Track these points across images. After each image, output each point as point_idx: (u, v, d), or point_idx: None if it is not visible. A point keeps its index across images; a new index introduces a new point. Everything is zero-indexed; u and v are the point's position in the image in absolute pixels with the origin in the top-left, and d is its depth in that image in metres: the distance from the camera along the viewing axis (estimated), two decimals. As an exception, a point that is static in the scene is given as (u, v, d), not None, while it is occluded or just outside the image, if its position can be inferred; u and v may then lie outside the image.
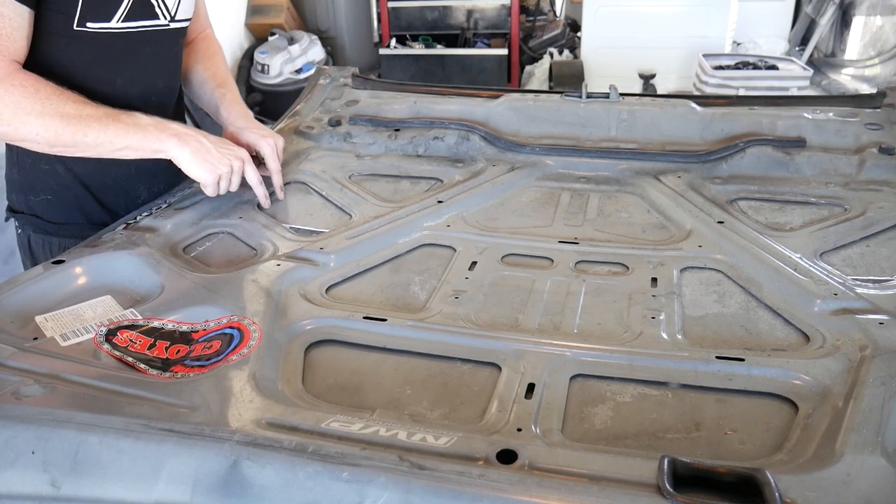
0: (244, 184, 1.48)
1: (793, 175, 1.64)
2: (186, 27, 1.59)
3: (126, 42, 1.45)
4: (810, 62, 5.53)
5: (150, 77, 1.55)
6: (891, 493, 0.72)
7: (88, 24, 1.37)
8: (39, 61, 1.36)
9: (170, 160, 1.39)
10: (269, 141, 1.57)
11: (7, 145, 1.52)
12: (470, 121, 1.88)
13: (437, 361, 1.05)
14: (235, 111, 1.65)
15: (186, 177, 1.60)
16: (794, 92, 4.34)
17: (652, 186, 1.62)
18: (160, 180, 1.61)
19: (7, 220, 1.63)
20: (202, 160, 1.38)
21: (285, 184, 1.65)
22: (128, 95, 1.48)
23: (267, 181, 1.55)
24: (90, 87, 1.40)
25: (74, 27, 1.36)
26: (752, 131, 1.76)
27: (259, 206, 1.52)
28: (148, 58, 1.52)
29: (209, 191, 1.43)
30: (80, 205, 1.55)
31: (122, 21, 1.41)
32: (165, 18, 1.50)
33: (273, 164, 1.57)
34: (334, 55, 6.25)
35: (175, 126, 1.39)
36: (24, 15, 1.28)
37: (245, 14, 6.04)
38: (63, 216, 1.55)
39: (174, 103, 1.67)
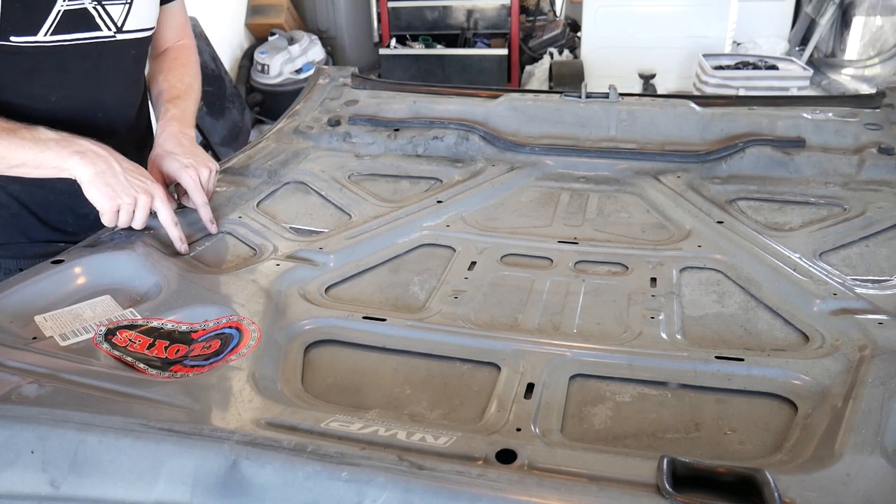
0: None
1: (792, 175, 1.64)
2: (144, 38, 1.48)
3: (59, 56, 1.34)
4: (810, 62, 5.54)
5: (93, 92, 1.44)
6: (890, 493, 0.72)
7: (12, 38, 1.27)
8: None
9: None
10: (190, 172, 1.38)
11: None
12: (469, 121, 1.88)
13: (436, 361, 1.05)
14: (168, 132, 1.45)
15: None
16: (794, 92, 4.34)
17: (651, 186, 1.62)
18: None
19: None
20: (103, 184, 1.22)
21: (284, 184, 1.66)
22: (65, 111, 1.38)
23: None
24: (20, 103, 1.32)
25: None
26: (752, 131, 1.76)
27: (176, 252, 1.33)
28: (89, 72, 1.41)
29: (105, 219, 1.26)
30: (19, 224, 1.46)
31: (51, 34, 1.30)
32: (110, 30, 1.39)
33: (197, 198, 1.38)
34: (334, 55, 6.25)
35: (84, 143, 1.24)
36: None
37: (245, 14, 6.04)
38: (2, 236, 1.46)
39: (132, 119, 1.56)
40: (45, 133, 1.24)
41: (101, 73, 1.43)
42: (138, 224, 1.28)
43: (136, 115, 1.58)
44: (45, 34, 1.30)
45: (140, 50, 1.51)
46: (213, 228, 1.42)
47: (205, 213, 1.40)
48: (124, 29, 1.41)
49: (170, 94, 1.55)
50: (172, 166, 1.40)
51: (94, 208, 1.34)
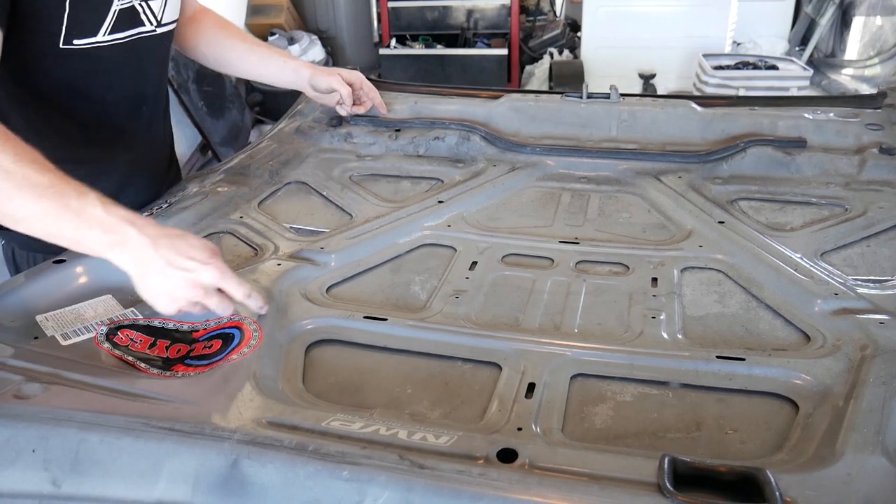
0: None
1: (793, 175, 1.64)
2: (174, 29, 1.55)
3: (115, 53, 1.38)
4: (810, 62, 5.53)
5: (140, 85, 1.51)
6: (891, 493, 0.72)
7: (75, 42, 1.30)
8: (28, 82, 1.31)
9: (161, 166, 1.30)
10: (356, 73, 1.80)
11: None
12: (470, 121, 1.88)
13: (437, 361, 1.05)
14: (311, 65, 1.78)
15: (174, 182, 1.61)
16: (794, 92, 4.34)
17: (652, 186, 1.62)
18: (145, 194, 1.54)
19: None
20: (160, 289, 1.04)
21: (286, 184, 1.65)
22: (117, 107, 1.44)
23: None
24: (81, 103, 1.36)
25: (60, 45, 1.28)
26: (753, 131, 1.76)
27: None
28: (137, 66, 1.47)
29: (167, 314, 1.08)
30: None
31: (109, 34, 1.35)
32: (152, 24, 1.44)
33: (368, 94, 1.81)
34: (334, 55, 6.25)
35: (134, 233, 1.03)
36: None
37: (245, 14, 6.04)
38: None
39: (164, 109, 1.64)
40: (92, 208, 1.03)
41: (145, 67, 1.50)
42: (223, 312, 1.08)
43: (165, 101, 1.65)
44: (104, 34, 1.34)
45: (170, 41, 1.57)
46: (384, 111, 1.86)
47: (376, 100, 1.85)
48: (163, 22, 1.46)
49: (260, 43, 1.80)
50: (345, 74, 1.79)
51: (129, 205, 1.22)
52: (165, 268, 1.02)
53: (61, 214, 1.02)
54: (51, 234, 1.04)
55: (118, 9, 1.34)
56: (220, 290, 1.06)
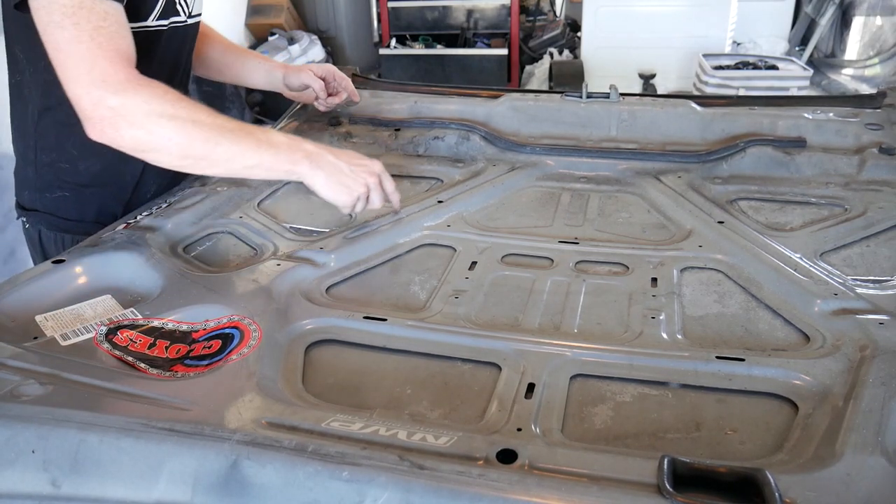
0: None
1: (793, 175, 1.64)
2: (199, 22, 1.62)
3: (157, 40, 1.46)
4: (810, 62, 5.54)
5: (173, 73, 1.57)
6: (891, 494, 0.72)
7: (131, 24, 1.33)
8: None
9: None
10: (327, 66, 1.82)
11: (21, 142, 1.53)
12: (470, 121, 1.88)
13: (437, 361, 1.05)
14: (281, 65, 1.83)
15: (189, 175, 1.64)
16: (794, 92, 4.34)
17: (652, 186, 1.62)
18: (169, 175, 1.61)
19: (18, 217, 1.63)
20: (337, 184, 1.32)
21: (285, 183, 1.66)
22: None
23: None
24: None
25: None
26: (753, 131, 1.76)
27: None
28: (171, 55, 1.54)
29: (346, 211, 1.39)
30: (95, 202, 1.56)
31: (156, 20, 1.43)
32: (185, 15, 1.51)
33: (340, 83, 1.84)
34: (334, 55, 6.26)
35: (307, 146, 1.33)
36: (121, 10, 1.25)
37: (245, 14, 6.05)
38: (78, 213, 1.56)
39: (189, 95, 1.73)
40: (275, 136, 1.32)
41: (178, 56, 1.58)
42: (377, 205, 1.39)
43: (187, 92, 1.71)
44: (153, 19, 1.41)
45: (196, 33, 1.65)
46: (355, 97, 1.89)
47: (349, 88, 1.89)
48: (192, 14, 1.54)
49: (237, 46, 1.87)
50: (315, 68, 1.81)
51: (154, 185, 1.58)
52: (346, 167, 1.33)
53: (258, 148, 1.27)
54: (251, 166, 1.28)
55: None
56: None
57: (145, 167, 1.56)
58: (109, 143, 1.22)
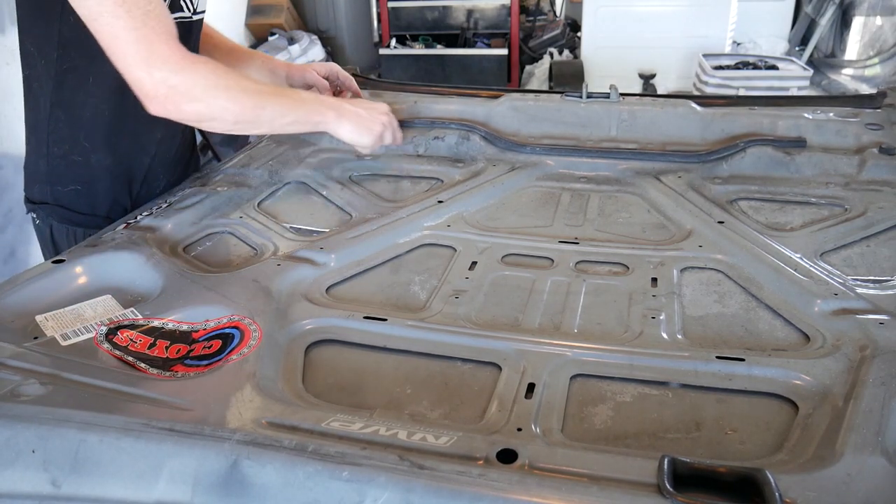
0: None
1: (793, 175, 1.64)
2: (203, 19, 1.64)
3: None
4: (810, 62, 5.54)
5: None
6: (891, 494, 0.72)
7: None
8: (81, 49, 1.38)
9: (185, 149, 1.42)
10: (331, 65, 1.89)
11: (33, 135, 1.54)
12: (470, 121, 1.88)
13: (437, 361, 1.05)
14: (284, 65, 1.88)
15: (196, 169, 1.70)
16: (794, 92, 4.34)
17: (652, 186, 1.62)
18: (178, 170, 1.67)
19: (28, 212, 1.63)
20: (362, 128, 1.52)
21: (285, 184, 1.66)
22: None
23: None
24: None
25: None
26: (753, 131, 1.76)
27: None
28: None
29: (366, 151, 1.64)
30: (107, 195, 1.58)
31: None
32: (189, 11, 1.54)
33: (344, 82, 1.89)
34: (334, 55, 6.26)
35: (329, 100, 1.55)
36: None
37: (245, 14, 6.05)
38: (89, 206, 1.57)
39: None
40: (301, 93, 1.56)
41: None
42: (398, 141, 1.66)
43: None
44: None
45: (200, 30, 1.67)
46: (360, 95, 1.92)
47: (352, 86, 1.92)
48: (197, 10, 1.58)
49: (240, 46, 1.94)
50: (318, 67, 1.87)
51: (164, 179, 1.66)
52: (363, 112, 1.55)
53: (294, 106, 1.47)
54: (289, 123, 1.46)
55: None
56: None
57: (154, 161, 1.59)
58: (171, 116, 1.33)
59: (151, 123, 1.51)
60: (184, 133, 1.72)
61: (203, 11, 1.62)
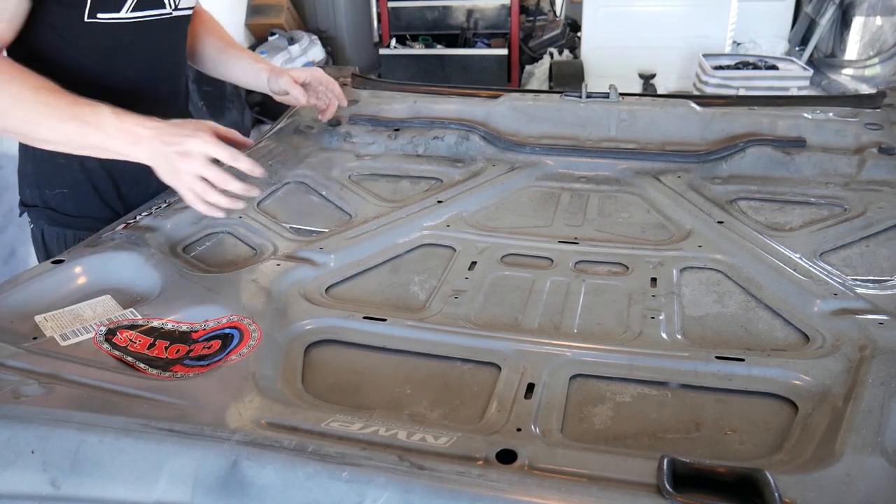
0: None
1: (793, 175, 1.64)
2: (189, 14, 1.61)
3: (136, 31, 1.46)
4: (810, 62, 5.54)
5: (161, 64, 1.58)
6: (891, 494, 0.72)
7: (99, 15, 1.38)
8: (55, 55, 1.38)
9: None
10: (314, 70, 1.76)
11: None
12: (470, 121, 1.88)
13: (436, 361, 1.05)
14: (270, 67, 1.76)
15: None
16: (794, 92, 4.34)
17: (652, 186, 1.62)
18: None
19: (21, 214, 1.63)
20: (167, 170, 1.22)
21: (285, 183, 1.65)
22: (139, 84, 1.51)
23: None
24: (106, 78, 1.43)
25: (85, 19, 1.37)
26: (752, 131, 1.76)
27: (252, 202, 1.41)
28: (156, 46, 1.54)
29: (199, 208, 1.26)
30: (95, 198, 1.56)
31: (132, 11, 1.43)
32: (170, 7, 1.52)
33: (329, 87, 1.77)
34: (334, 55, 6.25)
35: (141, 131, 1.23)
36: (12, 1, 1.26)
37: (245, 14, 6.04)
38: (78, 209, 1.56)
39: (183, 86, 1.71)
40: (106, 118, 1.23)
41: (164, 47, 1.58)
42: (219, 182, 1.23)
43: (184, 83, 1.73)
44: (126, 11, 1.42)
45: (186, 25, 1.65)
46: (344, 102, 1.80)
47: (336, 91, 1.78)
48: (179, 7, 1.54)
49: (233, 44, 1.83)
50: (295, 74, 1.73)
51: (155, 180, 1.40)
52: (163, 148, 1.21)
53: (84, 130, 1.22)
54: (81, 146, 1.25)
55: None
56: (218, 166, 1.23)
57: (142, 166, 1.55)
58: None
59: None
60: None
61: (189, 7, 1.59)
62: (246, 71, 1.79)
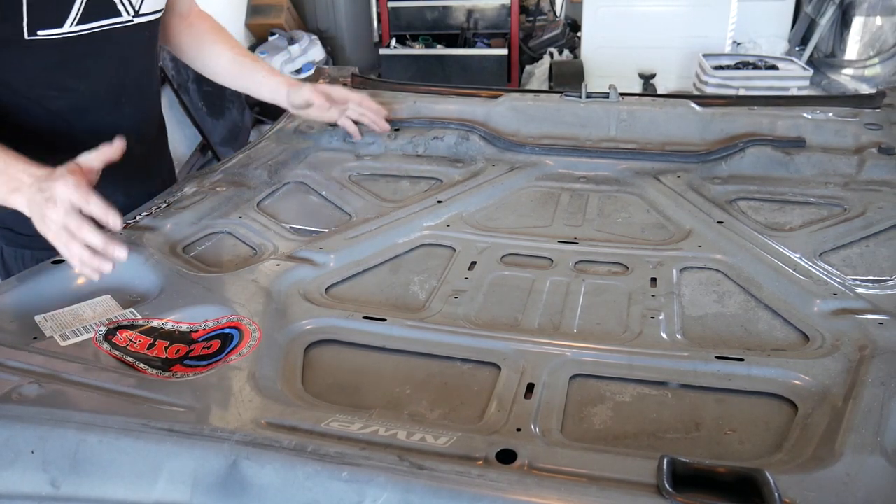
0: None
1: (792, 175, 1.64)
2: (156, 20, 1.51)
3: (87, 44, 1.35)
4: (810, 62, 5.54)
5: (117, 77, 1.47)
6: (890, 494, 0.72)
7: (40, 32, 1.28)
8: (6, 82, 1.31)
9: (150, 167, 1.29)
10: (336, 87, 1.65)
11: None
12: (470, 121, 1.88)
13: (436, 361, 1.05)
14: (291, 83, 1.71)
15: (166, 180, 1.60)
16: (794, 92, 4.34)
17: (651, 186, 1.62)
18: (135, 185, 1.52)
19: None
20: (38, 218, 1.11)
21: (285, 183, 1.65)
22: (92, 99, 1.42)
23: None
24: (53, 94, 1.35)
25: (26, 37, 1.27)
26: (752, 131, 1.76)
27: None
28: (111, 58, 1.43)
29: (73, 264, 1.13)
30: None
31: (77, 24, 1.32)
32: (129, 14, 1.41)
33: (353, 96, 1.70)
34: (334, 55, 6.25)
35: (22, 177, 1.13)
36: None
37: (245, 14, 6.04)
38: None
39: (150, 100, 1.60)
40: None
41: (122, 58, 1.46)
42: (88, 237, 1.09)
43: (152, 96, 1.62)
44: (71, 25, 1.31)
45: (152, 32, 1.53)
46: (382, 125, 1.75)
47: (369, 109, 1.72)
48: (140, 12, 1.43)
49: (245, 55, 1.74)
50: (323, 90, 1.67)
51: (121, 196, 1.34)
52: (36, 195, 1.11)
53: None
54: None
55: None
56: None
57: (109, 180, 1.36)
58: None
59: (90, 146, 1.29)
60: (145, 155, 1.57)
61: (154, 11, 1.47)
62: (261, 85, 1.73)
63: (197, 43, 1.71)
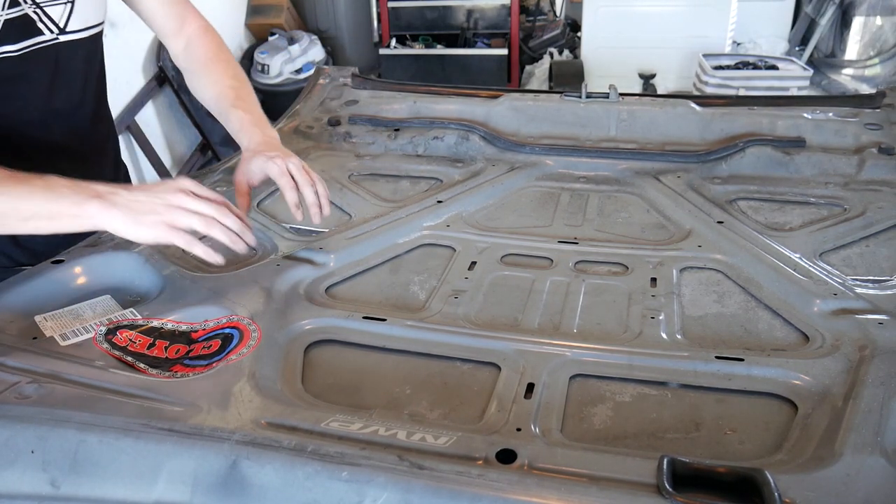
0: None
1: (792, 175, 1.64)
2: (91, 36, 1.36)
3: (8, 66, 1.24)
4: (810, 62, 5.53)
5: (44, 100, 1.33)
6: (890, 494, 0.72)
7: None
8: None
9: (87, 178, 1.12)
10: (276, 161, 1.32)
11: None
12: (470, 121, 1.88)
13: (436, 361, 1.05)
14: (253, 139, 1.42)
15: None
16: (794, 92, 4.34)
17: (651, 186, 1.62)
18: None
19: None
20: (136, 219, 1.07)
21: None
22: (18, 125, 1.30)
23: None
24: None
25: None
26: (752, 131, 1.76)
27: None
28: (37, 80, 1.31)
29: (150, 241, 1.10)
30: (2, 249, 1.39)
31: None
32: (52, 32, 1.28)
33: (283, 182, 1.32)
34: (334, 55, 6.25)
35: (97, 187, 1.08)
36: None
37: (245, 14, 6.04)
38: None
39: (88, 126, 1.45)
40: (55, 180, 1.07)
41: (50, 80, 1.33)
42: (198, 227, 1.10)
43: (91, 119, 1.46)
44: None
45: (90, 49, 1.39)
46: (318, 215, 1.31)
47: (306, 195, 1.31)
48: (67, 30, 1.30)
49: (227, 96, 1.47)
50: (258, 162, 1.34)
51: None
52: (141, 196, 1.08)
53: (33, 192, 1.05)
54: (25, 218, 1.05)
55: (4, 19, 1.20)
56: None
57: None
58: None
59: (25, 162, 1.15)
60: (66, 170, 1.30)
61: (89, 27, 1.33)
62: (235, 134, 1.50)
63: (189, 71, 1.55)
